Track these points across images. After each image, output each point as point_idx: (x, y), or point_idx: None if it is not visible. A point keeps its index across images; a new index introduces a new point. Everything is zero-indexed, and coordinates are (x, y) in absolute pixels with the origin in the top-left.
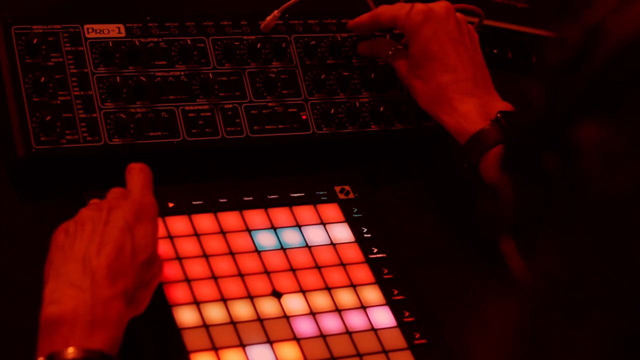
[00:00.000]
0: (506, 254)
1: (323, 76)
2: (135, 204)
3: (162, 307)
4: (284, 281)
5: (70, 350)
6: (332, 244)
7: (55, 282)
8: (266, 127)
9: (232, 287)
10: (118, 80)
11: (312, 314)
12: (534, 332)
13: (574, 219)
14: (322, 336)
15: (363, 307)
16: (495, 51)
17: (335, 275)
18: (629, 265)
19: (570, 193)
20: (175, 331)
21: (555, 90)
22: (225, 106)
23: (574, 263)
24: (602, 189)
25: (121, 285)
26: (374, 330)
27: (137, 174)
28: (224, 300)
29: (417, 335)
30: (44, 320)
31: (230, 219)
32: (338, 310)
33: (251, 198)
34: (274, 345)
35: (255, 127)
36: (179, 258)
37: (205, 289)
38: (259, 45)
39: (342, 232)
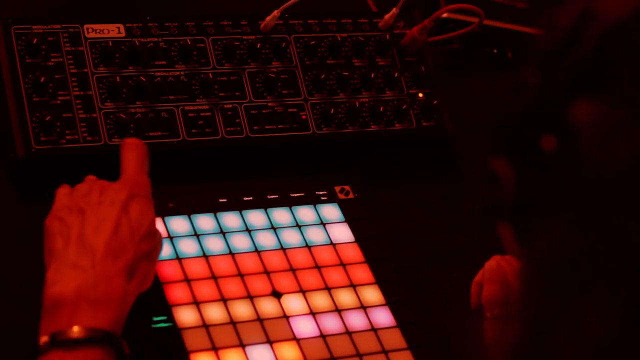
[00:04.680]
0: (504, 240)
1: (323, 76)
2: (128, 182)
3: (162, 307)
4: (283, 281)
5: (76, 329)
6: (332, 244)
7: (57, 264)
8: (266, 127)
9: (232, 287)
10: (118, 80)
11: (312, 314)
12: (537, 314)
13: (574, 197)
14: (322, 336)
15: (363, 307)
16: (495, 51)
17: (335, 275)
18: (630, 240)
19: (569, 172)
20: (175, 331)
21: (550, 72)
22: (225, 106)
23: (575, 241)
24: (600, 164)
25: (122, 261)
26: (374, 330)
27: (132, 151)
28: (224, 300)
29: (417, 335)
30: (47, 300)
31: (230, 219)
32: (338, 310)
33: (251, 198)
34: (274, 345)
35: (255, 127)
36: (179, 258)
37: (205, 289)
38: (259, 45)
39: (342, 232)
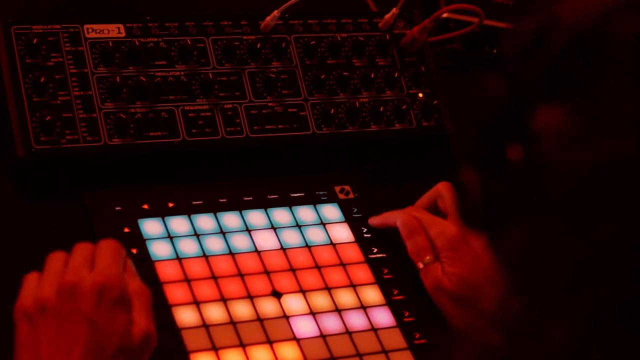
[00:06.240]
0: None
1: (323, 76)
2: (96, 285)
3: (162, 307)
4: (284, 281)
5: None
6: (332, 244)
7: None
8: (266, 127)
9: (232, 287)
10: (118, 80)
11: (312, 314)
12: (505, 316)
13: (539, 204)
14: (322, 336)
15: (363, 307)
16: (495, 51)
17: (335, 275)
18: (590, 245)
19: (533, 179)
20: (175, 331)
21: (513, 80)
22: (225, 106)
23: (538, 247)
24: (561, 171)
25: None
26: (374, 330)
27: (106, 245)
28: (223, 300)
29: (417, 335)
30: None
31: (230, 219)
32: (338, 310)
33: (251, 198)
34: (274, 345)
35: (255, 127)
36: (179, 258)
37: (205, 289)
38: (259, 45)
39: (342, 232)
